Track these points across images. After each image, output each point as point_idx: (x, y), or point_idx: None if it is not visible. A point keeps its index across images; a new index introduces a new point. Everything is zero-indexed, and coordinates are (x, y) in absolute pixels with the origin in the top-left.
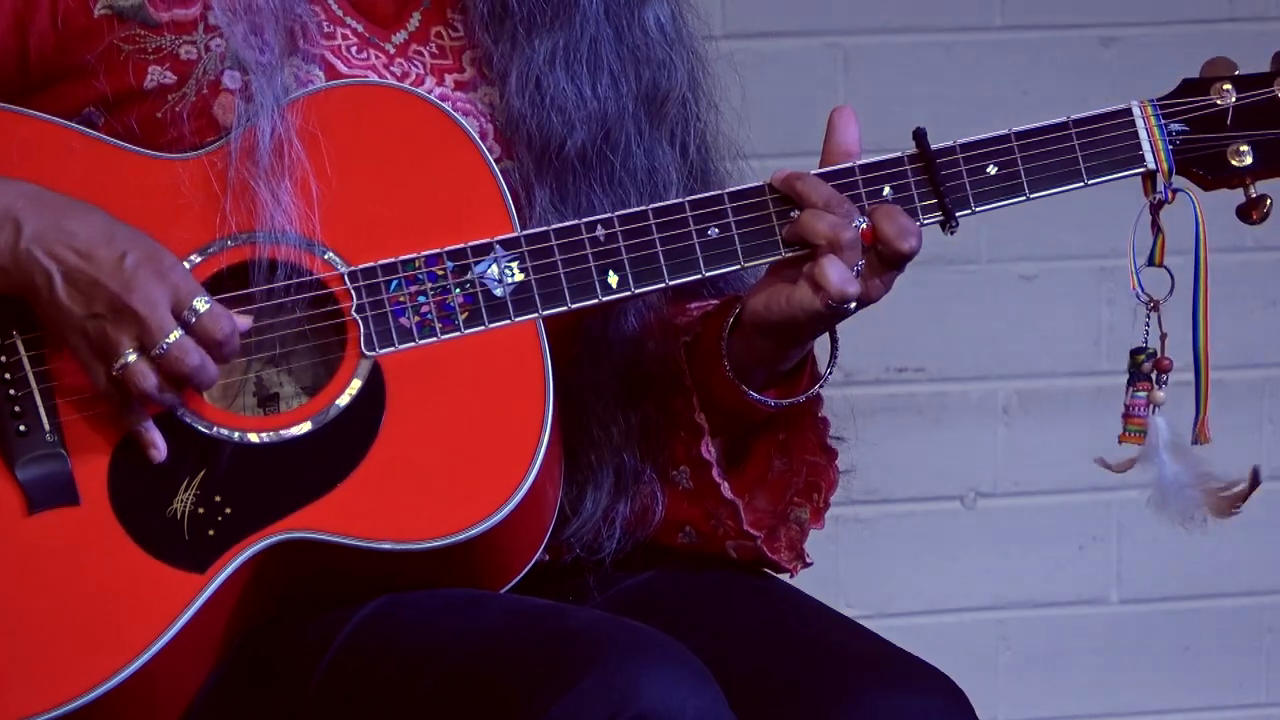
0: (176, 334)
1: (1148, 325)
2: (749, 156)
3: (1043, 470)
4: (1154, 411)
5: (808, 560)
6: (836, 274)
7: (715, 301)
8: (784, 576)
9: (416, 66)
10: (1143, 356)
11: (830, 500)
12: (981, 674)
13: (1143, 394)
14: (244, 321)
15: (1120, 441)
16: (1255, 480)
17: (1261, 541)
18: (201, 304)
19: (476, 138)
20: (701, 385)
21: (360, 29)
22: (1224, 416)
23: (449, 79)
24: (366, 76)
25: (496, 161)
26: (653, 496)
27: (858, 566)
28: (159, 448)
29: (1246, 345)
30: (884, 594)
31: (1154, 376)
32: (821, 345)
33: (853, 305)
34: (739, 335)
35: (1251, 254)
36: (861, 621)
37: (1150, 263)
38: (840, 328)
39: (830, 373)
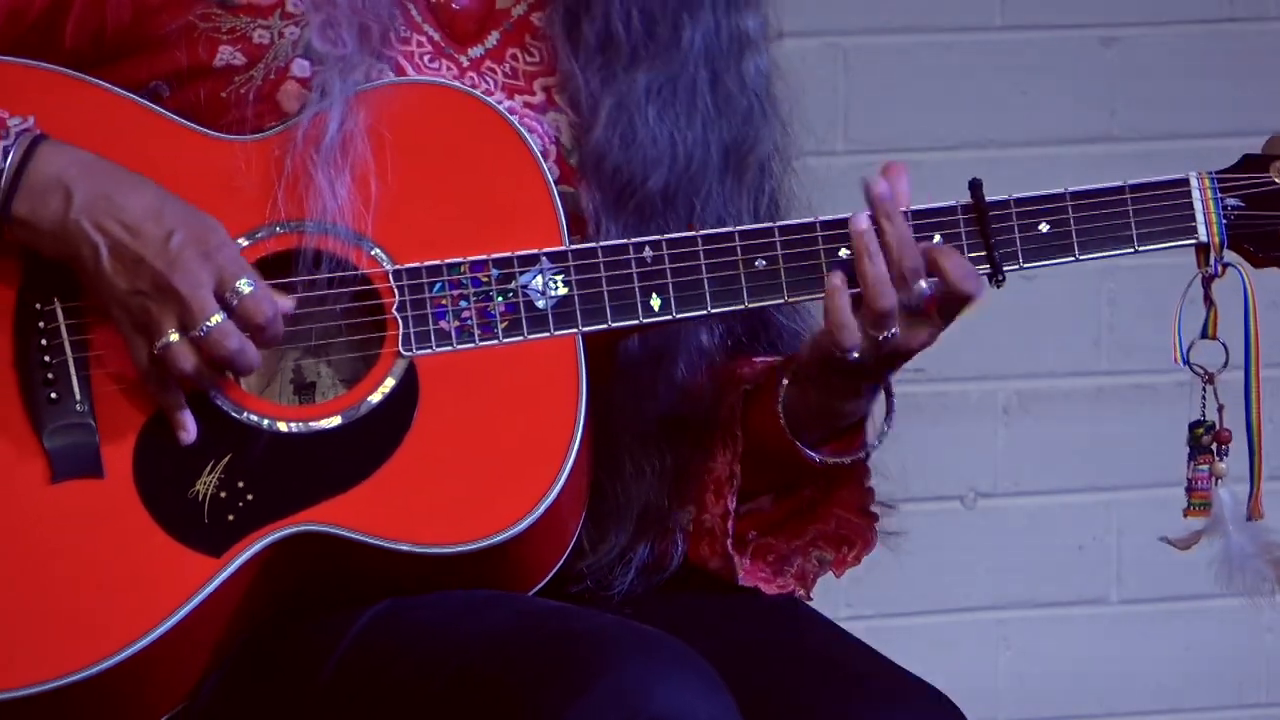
0: (218, 317)
1: (1205, 398)
2: None
3: (1043, 470)
4: (1217, 484)
5: (809, 595)
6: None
7: (778, 358)
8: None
9: (487, 82)
10: (1202, 430)
11: (861, 559)
12: (981, 674)
13: (1205, 468)
14: (286, 304)
15: (1185, 516)
16: None
17: None
18: (245, 286)
19: (538, 153)
20: (754, 434)
21: (437, 38)
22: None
23: (519, 99)
24: (438, 79)
25: (555, 184)
26: (674, 543)
27: (858, 566)
28: (189, 430)
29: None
30: (884, 594)
31: (1215, 449)
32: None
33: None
34: (795, 385)
35: None
36: (861, 621)
37: (1204, 335)
38: None
39: (881, 441)
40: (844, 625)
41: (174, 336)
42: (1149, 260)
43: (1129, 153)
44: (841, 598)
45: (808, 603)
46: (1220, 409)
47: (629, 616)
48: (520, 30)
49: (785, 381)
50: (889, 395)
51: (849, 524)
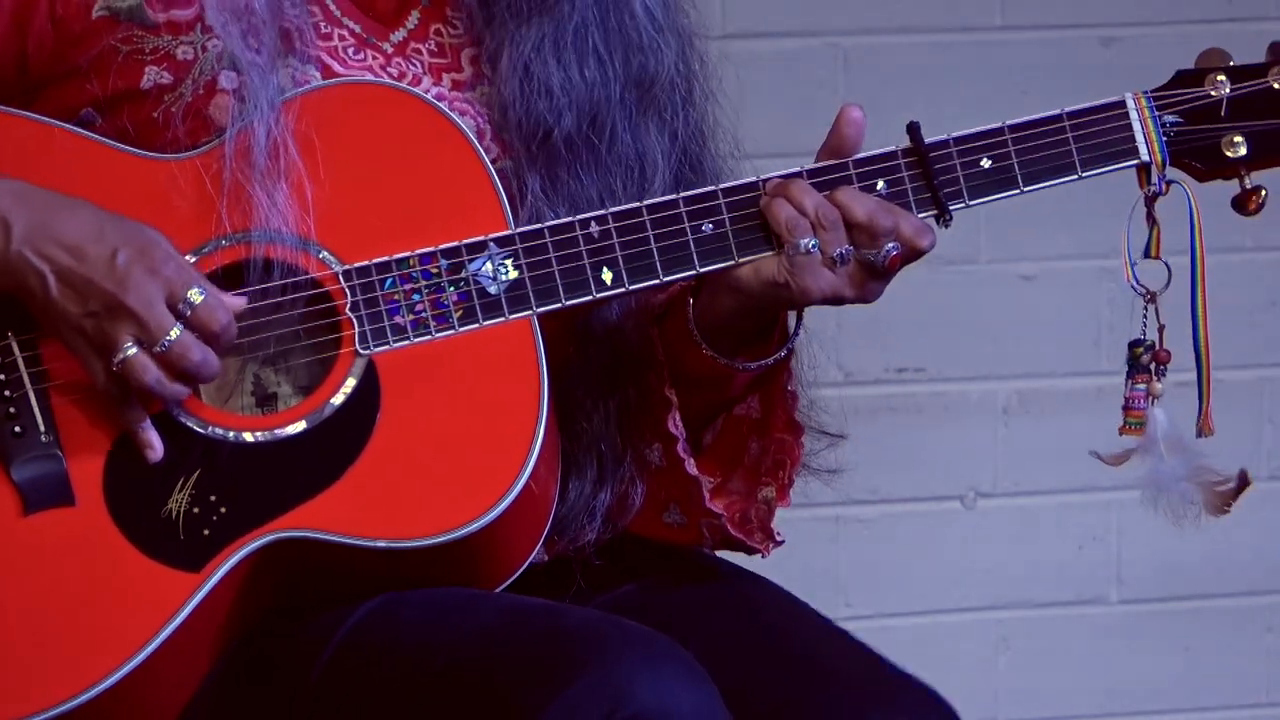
0: (176, 331)
1: (1145, 318)
2: (750, 156)
3: (1043, 470)
4: (1153, 403)
5: (778, 539)
6: (814, 279)
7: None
8: (756, 557)
9: (414, 66)
10: (1141, 349)
11: (794, 476)
12: (981, 674)
13: (1141, 386)
14: (238, 302)
15: (1120, 434)
16: (1243, 481)
17: (1261, 541)
18: (196, 295)
19: (472, 137)
20: (673, 357)
21: (358, 29)
22: (1224, 416)
23: (446, 78)
24: (363, 76)
25: (494, 161)
26: (632, 482)
27: (858, 566)
28: (155, 448)
29: (1246, 345)
30: (884, 594)
31: (1153, 368)
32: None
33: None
34: (706, 295)
35: (1251, 254)
36: (861, 621)
37: (1146, 255)
38: (840, 330)
39: (796, 336)
40: (844, 625)
41: (131, 350)
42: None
43: None
44: (841, 598)
45: (804, 594)
46: (1161, 328)
47: (615, 613)
48: (439, 5)
49: (692, 299)
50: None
51: (781, 444)
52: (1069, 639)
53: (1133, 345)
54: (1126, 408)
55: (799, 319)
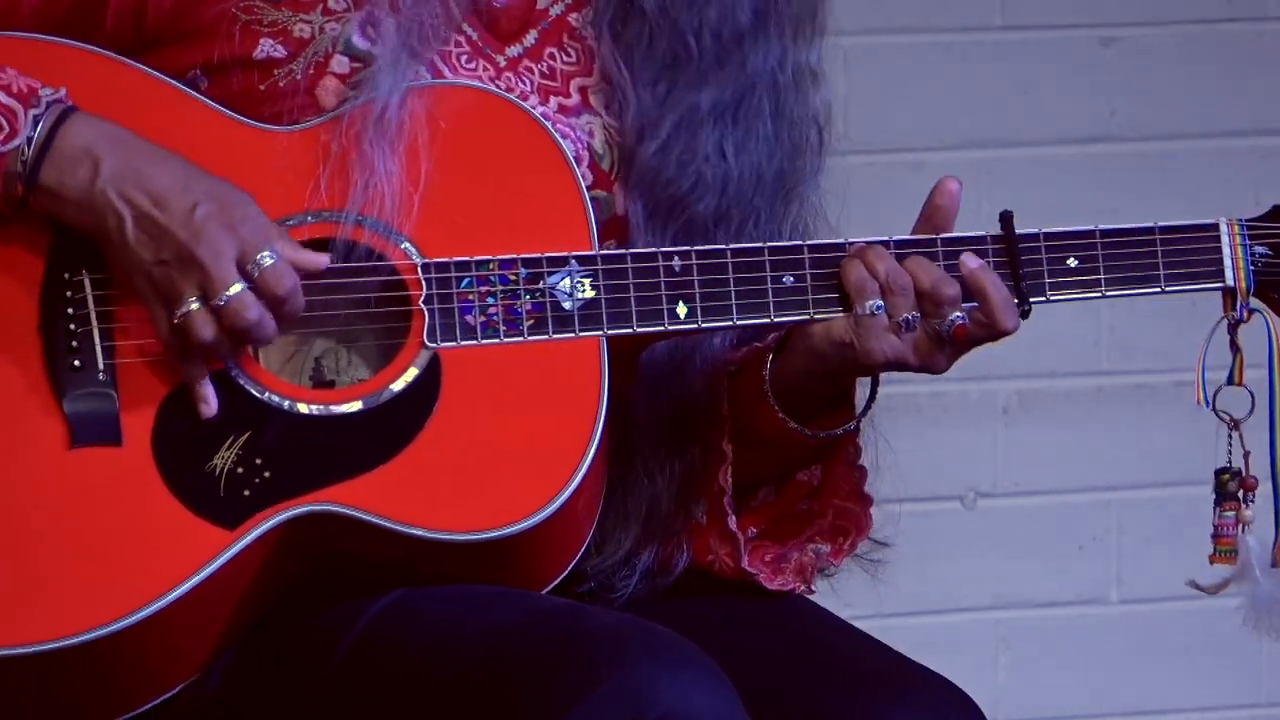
0: (238, 286)
1: (1230, 445)
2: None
3: (1043, 470)
4: (1244, 531)
5: (812, 588)
6: (877, 342)
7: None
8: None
9: (524, 84)
10: (1228, 476)
11: (857, 546)
12: (981, 674)
13: (1231, 514)
14: (319, 260)
15: (1211, 563)
16: None
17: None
18: (267, 259)
19: (571, 160)
20: (742, 416)
21: (475, 38)
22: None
23: (554, 101)
24: (476, 82)
25: (589, 188)
26: (679, 548)
27: (858, 566)
28: (210, 403)
29: (1246, 345)
30: (884, 594)
31: (1241, 496)
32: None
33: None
34: (783, 357)
35: None
36: (861, 621)
37: (1230, 381)
38: None
39: (866, 413)
40: None
41: (194, 305)
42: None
43: (1129, 152)
44: (841, 598)
45: (810, 597)
46: (1246, 455)
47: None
48: (558, 30)
49: (771, 356)
50: (874, 385)
51: (845, 512)
52: (1069, 639)
53: (1219, 473)
54: (1217, 536)
55: (872, 396)
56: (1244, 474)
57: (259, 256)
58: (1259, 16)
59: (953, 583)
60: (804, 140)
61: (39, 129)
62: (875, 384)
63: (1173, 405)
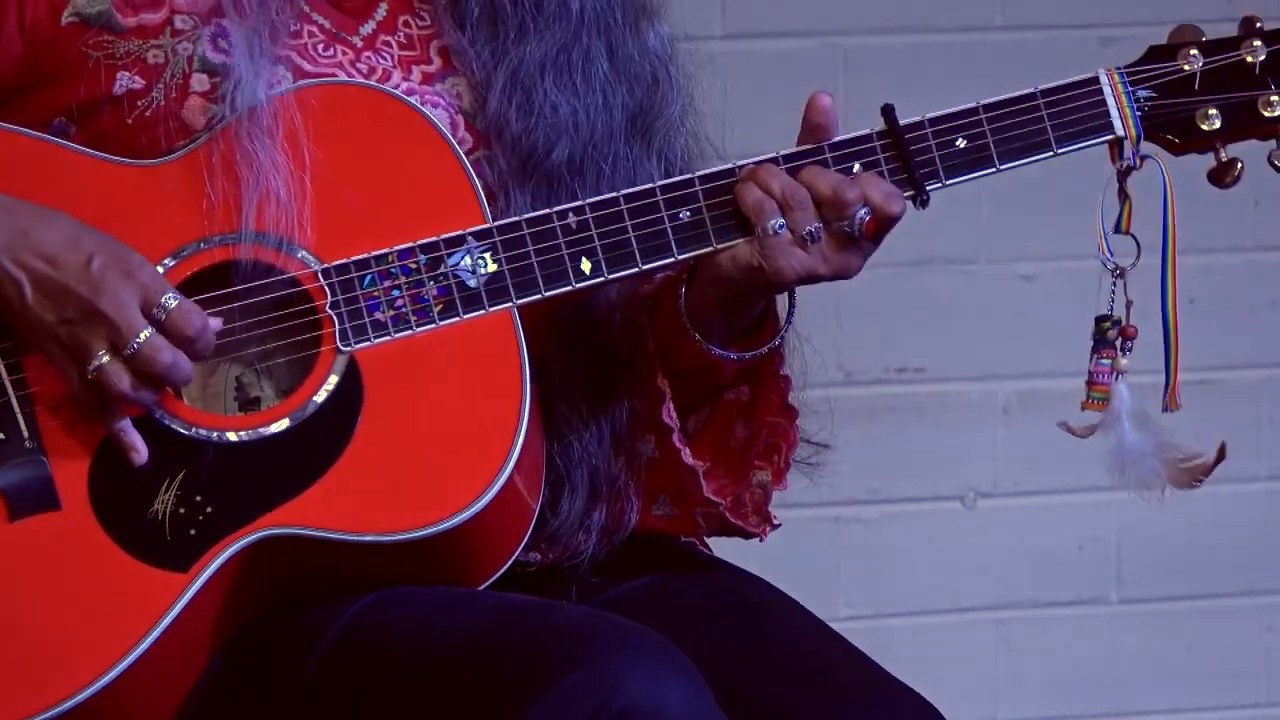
0: (147, 333)
1: (1114, 292)
2: (749, 156)
3: (1043, 470)
4: (1117, 379)
5: (775, 521)
6: (786, 260)
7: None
8: (754, 542)
9: (384, 59)
10: (1108, 324)
11: (791, 460)
12: (981, 674)
13: (1107, 361)
14: (215, 321)
15: (1082, 408)
16: (1221, 454)
17: (1261, 541)
18: (171, 300)
19: (447, 133)
20: (663, 349)
21: (328, 24)
22: (1224, 416)
23: (416, 70)
24: (334, 75)
25: (468, 152)
26: (628, 500)
27: (858, 566)
28: (139, 450)
29: (1246, 345)
30: (884, 594)
31: (1119, 344)
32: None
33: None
34: (695, 287)
35: (1252, 254)
36: (861, 621)
37: (1117, 229)
38: (841, 330)
39: (789, 325)
40: (843, 625)
41: (105, 358)
42: (1147, 261)
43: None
44: (841, 598)
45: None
46: (1128, 304)
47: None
48: None
49: (683, 288)
50: (791, 292)
51: (775, 428)
52: (1069, 639)
53: (1099, 320)
54: (1090, 382)
55: (790, 308)
56: (1124, 322)
57: (163, 299)
58: (1259, 17)
59: (953, 583)
60: (652, 75)
61: None
62: (792, 294)
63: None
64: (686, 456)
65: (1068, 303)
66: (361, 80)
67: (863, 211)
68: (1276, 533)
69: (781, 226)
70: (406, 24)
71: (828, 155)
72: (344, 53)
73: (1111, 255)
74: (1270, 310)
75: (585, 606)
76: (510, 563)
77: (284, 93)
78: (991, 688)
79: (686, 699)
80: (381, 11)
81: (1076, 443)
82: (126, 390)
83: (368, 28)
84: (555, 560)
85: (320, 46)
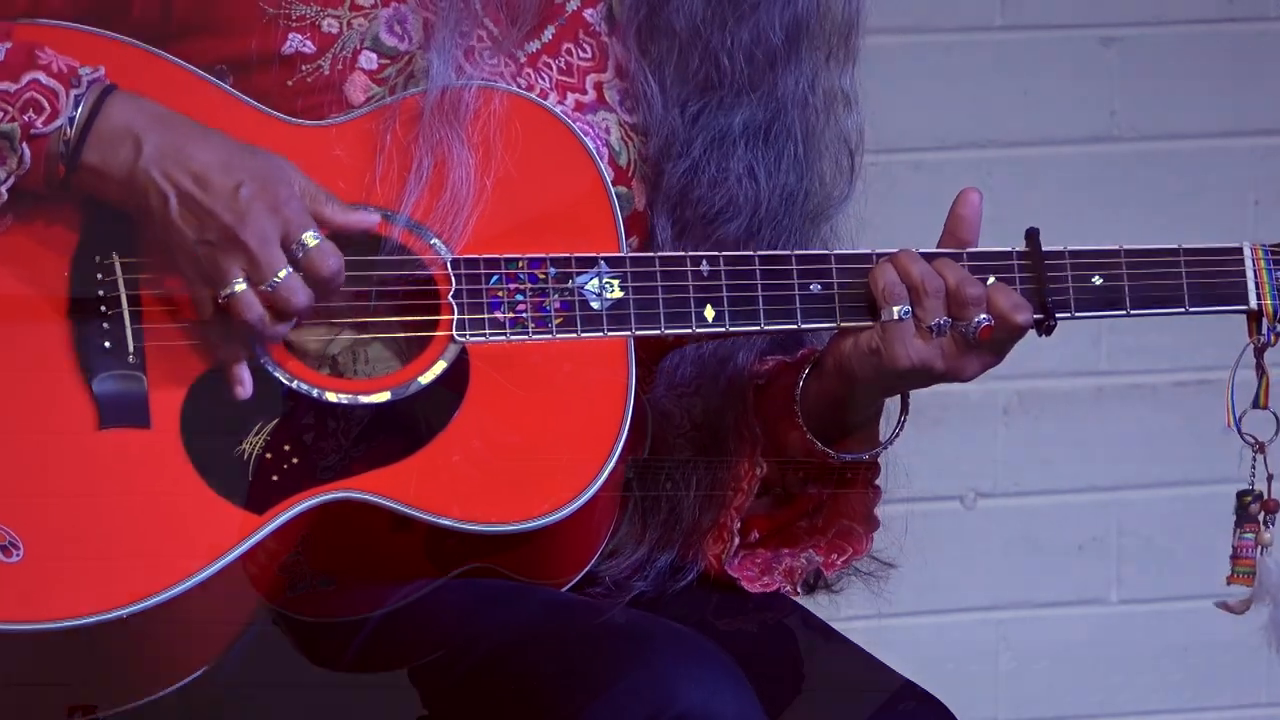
0: (285, 271)
1: (1254, 467)
2: None
3: (1043, 470)
4: (1262, 553)
5: (797, 590)
6: (903, 348)
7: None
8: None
9: (542, 80)
10: (1249, 498)
11: (850, 564)
12: (981, 674)
13: (1250, 535)
14: (372, 218)
15: (1228, 583)
16: None
17: None
18: (310, 239)
19: (599, 159)
20: (767, 429)
21: (496, 33)
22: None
23: (571, 97)
24: (495, 82)
25: (612, 184)
26: (699, 553)
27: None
28: (245, 385)
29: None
30: (884, 594)
31: (1261, 518)
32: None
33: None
34: (814, 375)
35: None
36: (861, 621)
37: (1255, 405)
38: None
39: (894, 439)
40: (844, 625)
41: (240, 286)
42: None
43: (1129, 152)
44: (841, 597)
45: (795, 598)
46: (1270, 478)
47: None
48: (574, 25)
49: (805, 373)
50: (904, 396)
51: (849, 532)
52: (1069, 639)
53: (1241, 495)
54: (1235, 556)
55: (900, 422)
56: (1265, 496)
57: (303, 237)
58: (1259, 17)
59: (953, 583)
60: (834, 163)
61: (80, 109)
62: (905, 408)
63: (1172, 405)
64: (735, 527)
65: None
66: (530, 95)
67: (983, 317)
68: (1275, 532)
69: (907, 313)
70: (569, 51)
71: (965, 263)
72: (506, 64)
73: (1240, 428)
74: None
75: (635, 609)
76: (573, 584)
77: (458, 88)
78: (991, 688)
79: (741, 707)
80: (549, 34)
81: (1076, 443)
82: (255, 320)
83: (533, 46)
84: (604, 592)
85: (485, 53)
